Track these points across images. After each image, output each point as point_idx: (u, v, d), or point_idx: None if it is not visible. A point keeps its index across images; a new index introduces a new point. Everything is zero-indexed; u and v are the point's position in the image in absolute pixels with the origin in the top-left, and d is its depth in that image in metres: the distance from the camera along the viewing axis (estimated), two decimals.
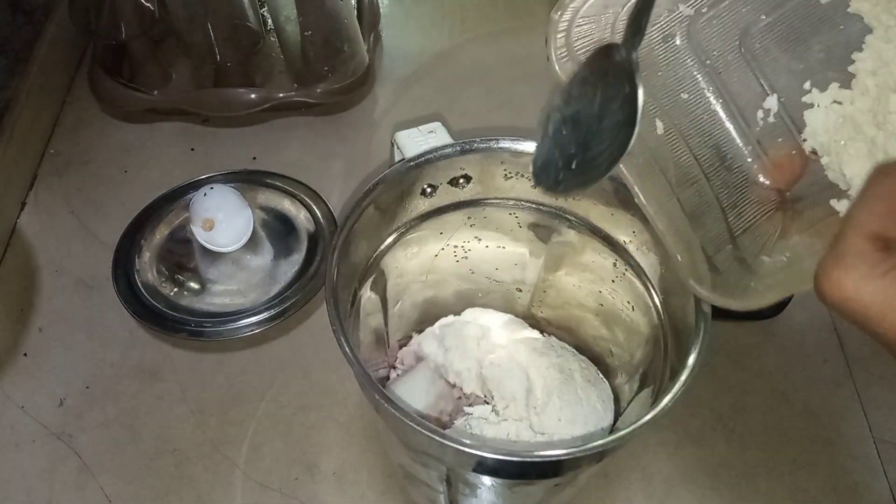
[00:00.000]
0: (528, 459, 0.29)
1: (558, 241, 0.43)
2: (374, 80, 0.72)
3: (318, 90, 0.66)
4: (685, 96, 0.27)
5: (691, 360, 0.32)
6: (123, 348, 0.54)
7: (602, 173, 0.25)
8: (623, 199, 0.38)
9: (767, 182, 0.28)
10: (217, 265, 0.54)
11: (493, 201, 0.42)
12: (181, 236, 0.56)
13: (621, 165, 0.28)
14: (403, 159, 0.38)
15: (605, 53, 0.25)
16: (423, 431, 0.29)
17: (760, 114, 0.26)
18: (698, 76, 0.26)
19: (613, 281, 0.42)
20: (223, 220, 0.52)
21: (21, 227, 0.62)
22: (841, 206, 0.25)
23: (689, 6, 0.25)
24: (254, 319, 0.51)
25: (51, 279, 0.58)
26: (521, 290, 0.48)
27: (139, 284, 0.53)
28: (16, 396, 0.52)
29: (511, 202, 0.42)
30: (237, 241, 0.52)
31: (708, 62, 0.25)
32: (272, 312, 0.52)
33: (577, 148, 0.26)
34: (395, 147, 0.40)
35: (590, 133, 0.25)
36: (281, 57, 0.69)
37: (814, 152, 0.26)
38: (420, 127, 0.40)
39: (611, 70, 0.24)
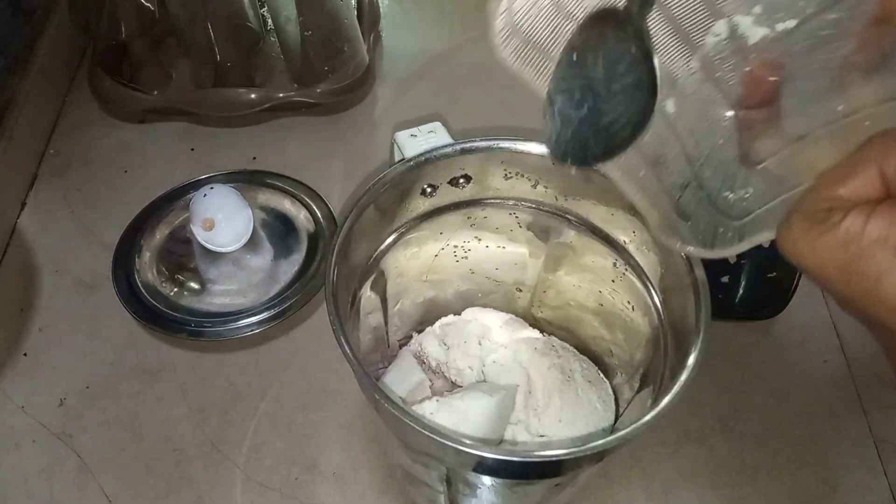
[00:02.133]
0: (529, 459, 0.29)
1: (558, 241, 0.43)
2: (374, 80, 0.72)
3: (318, 90, 0.66)
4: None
5: (691, 360, 0.32)
6: (123, 348, 0.54)
7: (627, 140, 0.25)
8: (622, 200, 0.38)
9: (725, 110, 0.27)
10: (217, 265, 0.54)
11: (493, 201, 0.42)
12: (181, 236, 0.56)
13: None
14: (403, 159, 0.38)
15: (600, 18, 0.25)
16: (424, 431, 0.29)
17: (710, 38, 0.26)
18: None
19: (613, 281, 0.42)
20: (223, 220, 0.52)
21: (21, 227, 0.62)
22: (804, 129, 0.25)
23: None
24: (254, 319, 0.52)
25: (51, 279, 0.58)
26: (521, 291, 0.48)
27: (139, 284, 0.53)
28: (16, 396, 0.52)
29: (511, 202, 0.42)
30: (237, 241, 0.52)
31: None
32: (272, 312, 0.52)
33: (590, 116, 0.25)
34: (395, 147, 0.40)
35: (600, 99, 0.25)
36: (281, 57, 0.69)
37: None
38: (420, 127, 0.40)
39: (609, 33, 0.24)
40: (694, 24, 0.26)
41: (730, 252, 0.27)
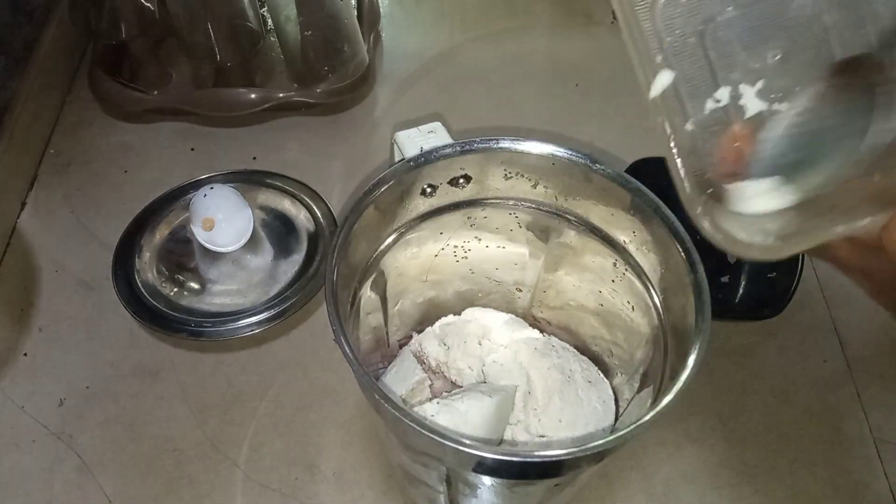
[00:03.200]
0: (529, 459, 0.29)
1: (558, 241, 0.43)
2: (374, 80, 0.72)
3: (318, 90, 0.66)
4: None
5: (691, 360, 0.32)
6: (123, 348, 0.54)
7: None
8: (622, 200, 0.38)
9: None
10: (217, 265, 0.54)
11: (493, 201, 0.42)
12: (181, 236, 0.56)
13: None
14: (403, 159, 0.38)
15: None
16: (423, 432, 0.29)
17: (710, 103, 0.26)
18: (657, 57, 0.25)
19: (613, 281, 0.42)
20: (223, 220, 0.52)
21: (21, 227, 0.62)
22: None
23: None
24: (254, 319, 0.51)
25: (51, 279, 0.58)
26: (521, 291, 0.48)
27: (139, 284, 0.53)
28: (16, 396, 0.52)
29: (511, 202, 0.42)
30: (237, 241, 0.52)
31: (668, 40, 0.25)
32: (272, 312, 0.52)
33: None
34: (395, 147, 0.40)
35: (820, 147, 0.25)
36: (281, 57, 0.69)
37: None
38: (420, 127, 0.40)
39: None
40: (700, 84, 0.26)
41: (770, 255, 0.27)
